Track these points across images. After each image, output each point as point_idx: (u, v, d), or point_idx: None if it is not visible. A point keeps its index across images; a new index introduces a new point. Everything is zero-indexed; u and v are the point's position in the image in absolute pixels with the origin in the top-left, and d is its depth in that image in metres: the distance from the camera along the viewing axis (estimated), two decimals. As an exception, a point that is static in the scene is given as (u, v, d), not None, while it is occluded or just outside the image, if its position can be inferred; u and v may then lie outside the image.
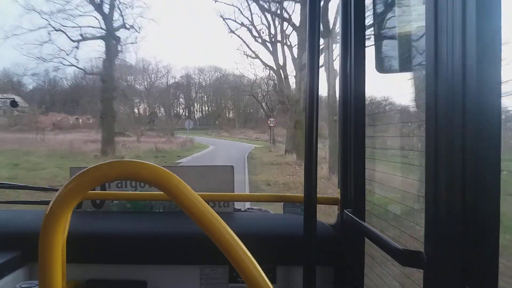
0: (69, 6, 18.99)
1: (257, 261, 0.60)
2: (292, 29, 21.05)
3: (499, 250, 0.62)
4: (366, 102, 1.15)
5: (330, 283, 1.31)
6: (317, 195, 1.17)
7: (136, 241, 1.33)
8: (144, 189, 1.57)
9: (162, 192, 0.60)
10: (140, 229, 1.38)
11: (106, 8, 19.51)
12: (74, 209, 0.63)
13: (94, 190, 1.48)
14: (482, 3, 0.59)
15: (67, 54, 20.48)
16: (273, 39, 22.58)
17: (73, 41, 20.18)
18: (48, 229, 0.57)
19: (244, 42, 26.76)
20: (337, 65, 1.29)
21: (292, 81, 20.89)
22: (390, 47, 1.11)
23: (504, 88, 0.60)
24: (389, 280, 1.06)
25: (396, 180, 1.10)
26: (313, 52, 1.14)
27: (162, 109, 42.57)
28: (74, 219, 0.76)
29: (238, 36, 27.65)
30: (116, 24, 20.40)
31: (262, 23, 23.72)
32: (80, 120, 34.02)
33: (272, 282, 1.23)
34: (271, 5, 21.64)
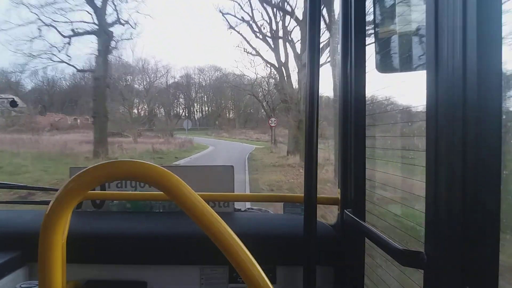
0: (60, -1, 18.18)
1: (257, 261, 0.60)
2: (294, 24, 20.61)
3: (499, 250, 0.62)
4: (367, 102, 1.15)
5: (330, 283, 1.31)
6: (317, 195, 1.17)
7: (136, 241, 1.33)
8: (144, 189, 1.57)
9: (162, 192, 0.60)
10: (140, 229, 1.38)
11: (98, 1, 18.51)
12: (74, 209, 0.63)
13: (94, 190, 1.48)
14: (483, 2, 0.59)
15: (59, 51, 19.59)
16: (274, 35, 21.77)
17: (64, 36, 19.28)
18: (48, 229, 0.57)
19: (244, 38, 25.34)
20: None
21: (294, 79, 20.34)
22: (390, 47, 1.11)
23: (504, 88, 0.60)
24: (389, 280, 1.06)
25: (397, 180, 1.10)
26: (313, 51, 1.13)
27: (162, 109, 42.54)
28: (74, 219, 0.76)
29: (238, 32, 26.52)
30: (110, 19, 19.48)
31: (263, 19, 23.50)
32: (79, 121, 33.83)
33: (272, 282, 1.23)
34: (273, -1, 20.82)
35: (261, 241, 1.25)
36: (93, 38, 19.26)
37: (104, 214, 1.56)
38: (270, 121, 25.54)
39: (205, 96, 47.32)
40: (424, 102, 0.73)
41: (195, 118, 47.08)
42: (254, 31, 22.31)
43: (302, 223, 1.17)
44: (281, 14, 21.21)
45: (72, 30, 19.21)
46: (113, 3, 19.14)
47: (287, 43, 21.43)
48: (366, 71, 1.15)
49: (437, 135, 0.69)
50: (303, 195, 1.18)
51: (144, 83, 38.66)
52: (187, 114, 46.02)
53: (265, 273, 0.61)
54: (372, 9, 1.15)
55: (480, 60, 0.59)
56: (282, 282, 1.32)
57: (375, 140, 1.19)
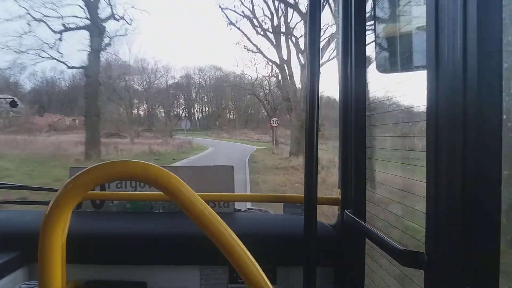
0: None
1: (257, 262, 0.60)
2: (297, 19, 19.84)
3: (499, 250, 0.62)
4: (367, 102, 1.15)
5: (330, 283, 1.31)
6: (317, 196, 1.17)
7: (136, 242, 1.33)
8: (144, 189, 1.57)
9: (162, 193, 0.60)
10: (140, 230, 1.38)
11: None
12: (74, 209, 0.63)
13: (94, 190, 1.48)
14: (483, 2, 0.59)
15: (50, 47, 18.64)
16: (276, 30, 20.60)
17: (55, 32, 18.35)
18: (48, 229, 0.57)
19: (245, 35, 24.31)
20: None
21: (297, 76, 19.61)
22: (391, 47, 1.11)
23: (504, 88, 0.60)
24: (390, 281, 1.06)
25: (397, 180, 1.10)
26: (314, 51, 1.13)
27: (161, 109, 42.45)
28: (74, 219, 0.76)
29: (238, 28, 25.39)
30: (104, 14, 18.65)
31: (264, 15, 22.28)
32: (77, 121, 33.71)
33: (272, 282, 1.23)
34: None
35: (261, 241, 1.25)
36: (85, 34, 18.55)
37: (104, 215, 1.56)
38: (271, 121, 24.87)
39: (205, 97, 47.25)
40: (425, 102, 0.73)
41: (195, 119, 47.03)
42: (255, 27, 21.39)
43: (302, 223, 1.17)
44: (284, 8, 20.38)
45: (63, 25, 18.45)
46: (107, -3, 18.31)
47: (289, 40, 20.53)
48: (366, 71, 1.15)
49: (438, 135, 0.69)
50: (303, 195, 1.18)
51: (144, 84, 38.60)
52: (187, 115, 45.95)
53: (265, 273, 0.60)
54: (372, 9, 1.15)
55: (480, 60, 0.59)
56: (282, 282, 1.32)
57: (376, 140, 1.18)
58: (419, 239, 0.83)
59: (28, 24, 17.77)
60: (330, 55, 14.51)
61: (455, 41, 0.63)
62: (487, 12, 0.59)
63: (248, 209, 1.76)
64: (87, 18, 18.05)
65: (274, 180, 11.65)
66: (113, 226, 1.42)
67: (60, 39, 18.55)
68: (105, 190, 1.55)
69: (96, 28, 17.99)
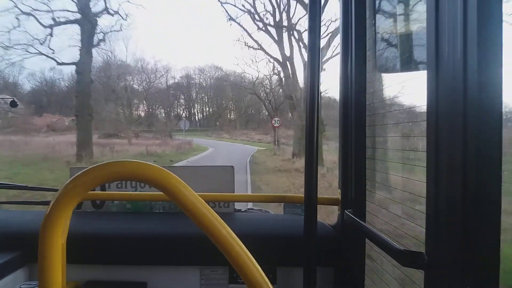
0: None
1: (257, 262, 0.60)
2: (300, 13, 19.16)
3: (500, 250, 0.62)
4: (367, 103, 1.15)
5: (330, 283, 1.31)
6: (318, 196, 1.17)
7: (136, 242, 1.33)
8: (144, 189, 1.57)
9: (162, 193, 0.60)
10: (140, 230, 1.38)
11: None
12: (74, 209, 0.63)
13: (94, 190, 1.48)
14: (483, 2, 0.59)
15: (41, 43, 17.65)
16: (279, 24, 19.50)
17: (45, 26, 17.26)
18: (48, 229, 0.57)
19: (246, 30, 22.79)
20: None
21: (301, 73, 18.88)
22: (391, 47, 1.11)
23: (505, 88, 0.60)
24: (390, 281, 1.06)
25: (397, 181, 1.09)
26: (314, 51, 1.13)
27: (161, 110, 42.35)
28: (74, 220, 0.76)
29: (239, 23, 23.81)
30: (97, 8, 17.57)
31: (266, 10, 20.35)
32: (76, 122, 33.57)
33: (272, 282, 1.23)
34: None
35: (261, 241, 1.25)
36: (77, 29, 17.80)
37: (104, 215, 1.56)
38: (273, 121, 23.90)
39: (206, 97, 47.20)
40: (425, 102, 0.73)
41: (195, 119, 46.99)
42: (255, 21, 20.12)
43: (302, 223, 1.17)
44: (286, 1, 19.37)
45: (53, 19, 17.32)
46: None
47: (292, 35, 19.48)
48: (366, 71, 1.15)
49: (438, 135, 0.69)
50: (303, 195, 1.18)
51: (144, 84, 38.42)
52: (187, 115, 45.88)
53: (265, 273, 0.60)
54: (372, 9, 1.15)
55: (481, 60, 0.59)
56: (282, 282, 1.32)
57: (376, 140, 1.18)
58: (419, 239, 0.83)
59: (17, 18, 16.94)
60: (333, 52, 14.18)
61: (455, 41, 0.63)
62: (487, 12, 0.59)
63: (248, 209, 1.76)
64: (78, 12, 17.06)
65: (277, 183, 11.14)
66: (113, 226, 1.42)
67: (51, 34, 17.69)
68: (105, 190, 1.55)
69: (87, 23, 17.02)
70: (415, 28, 0.95)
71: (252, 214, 1.66)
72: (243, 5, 20.73)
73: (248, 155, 21.00)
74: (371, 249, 1.13)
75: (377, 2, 1.15)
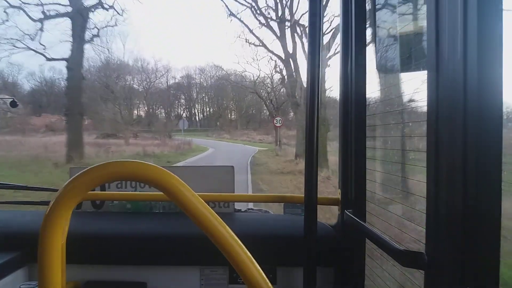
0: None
1: (257, 262, 0.60)
2: (304, 7, 18.06)
3: (499, 250, 0.62)
4: (367, 103, 1.15)
5: (330, 283, 1.31)
6: (318, 196, 1.17)
7: (136, 242, 1.33)
8: (144, 189, 1.57)
9: (162, 193, 0.60)
10: (140, 230, 1.38)
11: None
12: (74, 209, 0.63)
13: (94, 190, 1.48)
14: (483, 2, 0.59)
15: (32, 39, 16.78)
16: (281, 18, 18.46)
17: (35, 20, 16.43)
18: (48, 229, 0.57)
19: (247, 26, 21.83)
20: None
21: (304, 70, 18.27)
22: (391, 47, 1.11)
23: (505, 88, 0.60)
24: (390, 281, 1.06)
25: (397, 181, 1.10)
26: (314, 51, 1.13)
27: (161, 109, 42.22)
28: (74, 220, 0.76)
29: (239, 19, 22.59)
30: (90, 2, 16.66)
31: (268, 5, 19.43)
32: None
33: (272, 283, 1.23)
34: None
35: (261, 241, 1.25)
36: (68, 23, 16.67)
37: (104, 215, 1.56)
38: (275, 121, 22.91)
39: (206, 97, 47.12)
40: (425, 102, 0.73)
41: (196, 119, 46.92)
42: (257, 16, 19.01)
43: (302, 223, 1.17)
44: None
45: (43, 13, 16.42)
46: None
47: (295, 30, 18.35)
48: (367, 71, 1.14)
49: (438, 135, 0.69)
50: (303, 195, 1.18)
51: (144, 83, 38.33)
52: (188, 115, 45.78)
53: (265, 273, 0.60)
54: (372, 9, 1.15)
55: (481, 60, 0.59)
56: (282, 282, 1.32)
57: (376, 140, 1.18)
58: (419, 239, 0.83)
59: (5, 12, 16.13)
60: (336, 49, 14.08)
61: (455, 41, 0.63)
62: (487, 12, 0.59)
63: (248, 209, 1.76)
64: (69, 5, 16.28)
65: (280, 187, 10.31)
66: (113, 226, 1.42)
67: (42, 29, 16.79)
68: (105, 190, 1.55)
69: (79, 16, 16.10)
70: (415, 28, 0.95)
71: (252, 214, 1.66)
72: (244, 0, 19.75)
73: (249, 155, 20.33)
74: (371, 249, 1.13)
75: (377, 2, 1.15)
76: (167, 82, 42.24)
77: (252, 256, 0.61)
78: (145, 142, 24.52)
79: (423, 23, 0.75)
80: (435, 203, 0.70)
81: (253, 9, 19.46)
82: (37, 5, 16.48)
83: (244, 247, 0.60)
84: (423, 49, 0.74)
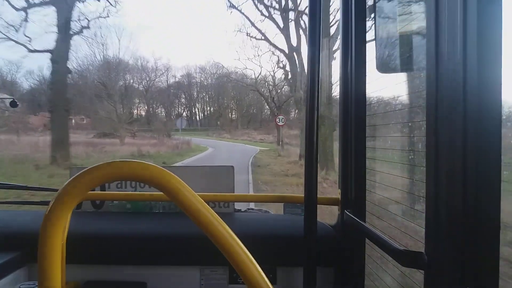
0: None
1: (257, 262, 0.60)
2: None
3: (499, 250, 0.62)
4: (367, 103, 1.15)
5: (330, 283, 1.31)
6: (318, 196, 1.17)
7: (136, 242, 1.33)
8: (144, 189, 1.57)
9: (162, 193, 0.60)
10: (140, 230, 1.38)
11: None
12: (73, 209, 0.63)
13: (94, 190, 1.48)
14: (483, 2, 0.59)
15: (16, 30, 15.58)
16: (285, 8, 17.67)
17: (17, 9, 15.27)
18: (48, 229, 0.57)
19: (248, 18, 21.51)
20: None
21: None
22: (391, 47, 1.11)
23: (504, 88, 0.60)
24: (390, 281, 1.06)
25: (397, 181, 1.10)
26: (314, 49, 1.13)
27: (159, 108, 42.08)
28: (74, 220, 0.76)
29: (240, 11, 21.68)
30: None
31: None
32: (73, 121, 33.19)
33: (272, 283, 1.23)
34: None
35: (261, 241, 1.25)
36: (52, 12, 15.64)
37: (104, 215, 1.56)
38: (277, 120, 22.10)
39: (207, 96, 47.05)
40: (424, 102, 0.73)
41: (196, 119, 46.88)
42: (258, 6, 18.35)
43: (302, 223, 1.17)
44: None
45: (27, 1, 15.25)
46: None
47: (300, 22, 17.55)
48: (367, 71, 1.14)
49: (437, 135, 0.69)
50: (303, 195, 1.18)
51: (144, 82, 38.23)
52: (188, 114, 45.70)
53: (265, 273, 0.60)
54: (372, 9, 1.15)
55: (480, 60, 0.59)
56: (282, 282, 1.32)
57: (375, 140, 1.19)
58: (419, 239, 0.83)
59: None
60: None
61: (455, 41, 0.63)
62: (487, 12, 0.59)
63: (248, 209, 1.76)
64: None
65: (287, 192, 8.42)
66: (113, 226, 1.42)
67: (26, 20, 15.51)
68: (105, 190, 1.55)
69: (64, 4, 14.88)
70: (415, 28, 0.95)
71: (252, 214, 1.66)
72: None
73: (249, 156, 19.53)
74: (371, 249, 1.13)
75: (377, 2, 1.15)
76: (167, 81, 42.15)
77: (252, 256, 0.61)
78: (142, 142, 23.95)
79: (422, 23, 0.75)
80: (434, 203, 0.70)
81: (254, 1, 18.59)
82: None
83: (244, 247, 0.60)
84: (423, 49, 0.74)
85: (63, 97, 14.72)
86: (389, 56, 1.13)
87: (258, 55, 30.05)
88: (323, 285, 1.30)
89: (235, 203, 1.59)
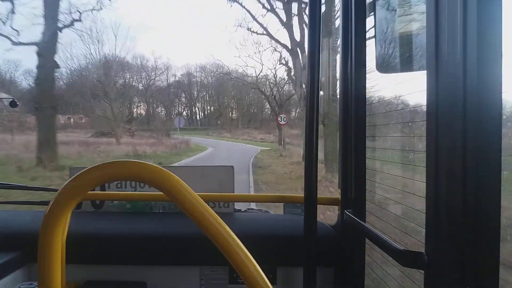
0: None
1: (257, 262, 0.60)
2: None
3: (499, 250, 0.62)
4: (367, 103, 1.15)
5: (330, 283, 1.31)
6: (318, 196, 1.17)
7: (136, 242, 1.33)
8: (143, 189, 1.57)
9: (162, 193, 0.60)
10: (140, 230, 1.38)
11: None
12: (73, 209, 0.63)
13: (94, 190, 1.48)
14: (483, 2, 0.59)
15: (3, 22, 14.34)
16: (287, 2, 16.91)
17: (3, 0, 14.08)
18: (48, 229, 0.57)
19: (249, 12, 20.46)
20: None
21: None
22: (391, 47, 1.11)
23: (504, 88, 0.60)
24: (390, 281, 1.06)
25: (397, 181, 1.10)
26: (313, 51, 1.13)
27: (162, 108, 42.00)
28: (74, 220, 0.76)
29: (241, 4, 20.60)
30: None
31: None
32: (72, 120, 33.04)
33: (272, 283, 1.23)
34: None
35: (261, 241, 1.25)
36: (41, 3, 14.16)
37: (104, 215, 1.56)
38: (279, 118, 21.20)
39: (207, 95, 46.95)
40: (425, 103, 0.73)
41: (197, 118, 46.81)
42: (260, 0, 17.33)
43: (302, 223, 1.17)
44: None
45: None
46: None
47: (304, 15, 16.57)
48: (367, 71, 1.14)
49: (438, 135, 0.69)
50: (303, 195, 1.18)
51: (144, 81, 38.10)
52: (188, 113, 45.64)
53: (265, 273, 0.60)
54: (372, 9, 1.15)
55: (480, 60, 0.59)
56: (282, 282, 1.32)
57: (375, 141, 1.19)
58: (419, 239, 0.83)
59: None
60: None
61: (455, 41, 0.63)
62: (487, 12, 0.59)
63: (248, 209, 1.76)
64: None
65: None
66: (113, 226, 1.42)
67: (13, 11, 14.36)
68: (105, 190, 1.55)
69: None
70: (415, 28, 0.95)
71: (252, 214, 1.66)
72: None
73: (250, 156, 18.84)
74: (371, 249, 1.13)
75: (377, 2, 1.15)
76: (167, 80, 42.02)
77: (252, 256, 0.61)
78: (139, 141, 23.41)
79: (423, 23, 0.75)
80: (435, 203, 0.70)
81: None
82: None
83: (244, 247, 0.60)
84: (423, 49, 0.74)
85: (50, 94, 13.65)
86: (389, 56, 1.13)
87: (259, 52, 29.57)
88: (323, 285, 1.30)
89: (235, 203, 1.59)
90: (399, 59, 1.06)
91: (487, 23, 0.59)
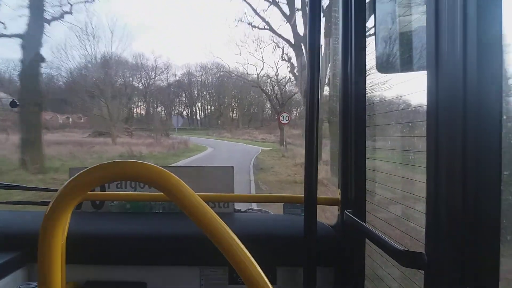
0: None
1: (257, 262, 0.60)
2: None
3: (499, 250, 0.62)
4: (367, 103, 1.15)
5: (330, 284, 1.31)
6: (318, 196, 1.17)
7: (136, 242, 1.33)
8: (143, 189, 1.57)
9: (161, 193, 0.60)
10: (140, 230, 1.38)
11: None
12: (73, 209, 0.63)
13: (94, 190, 1.48)
14: (483, 2, 0.59)
15: None
16: None
17: None
18: (48, 229, 0.57)
19: (250, 6, 20.24)
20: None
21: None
22: (391, 47, 1.11)
23: (505, 88, 0.60)
24: (390, 281, 1.06)
25: (397, 181, 1.10)
26: (313, 51, 1.13)
27: (162, 107, 41.86)
28: (74, 220, 0.76)
29: None
30: None
31: None
32: (71, 119, 32.78)
33: (272, 283, 1.23)
34: None
35: (261, 241, 1.25)
36: None
37: (104, 215, 1.56)
38: (281, 118, 20.49)
39: (207, 95, 46.83)
40: (425, 103, 0.73)
41: (197, 118, 46.71)
42: None
43: (302, 223, 1.17)
44: None
45: None
46: None
47: (307, 10, 16.59)
48: (367, 71, 1.14)
49: (438, 136, 0.69)
50: (303, 195, 1.18)
51: (143, 80, 37.96)
52: (189, 113, 45.57)
53: (265, 273, 0.60)
54: (372, 9, 1.15)
55: (480, 60, 0.59)
56: (282, 282, 1.32)
57: (375, 141, 1.18)
58: (419, 239, 0.83)
59: None
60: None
61: (455, 41, 0.63)
62: (487, 12, 0.59)
63: (248, 209, 1.76)
64: None
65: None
66: (113, 227, 1.42)
67: None
68: (105, 191, 1.55)
69: None
70: (415, 28, 0.95)
71: (252, 214, 1.66)
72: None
73: (251, 157, 18.11)
74: (371, 249, 1.13)
75: (377, 2, 1.15)
76: (167, 80, 41.84)
77: (252, 256, 0.61)
78: (137, 141, 22.87)
79: (423, 23, 0.75)
80: (435, 203, 0.70)
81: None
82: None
83: (244, 247, 0.60)
84: (423, 49, 0.74)
85: (34, 90, 12.45)
86: (389, 56, 1.13)
87: (260, 49, 28.76)
88: (323, 285, 1.30)
89: (235, 203, 1.59)
90: (399, 59, 1.06)
91: (487, 23, 0.59)
